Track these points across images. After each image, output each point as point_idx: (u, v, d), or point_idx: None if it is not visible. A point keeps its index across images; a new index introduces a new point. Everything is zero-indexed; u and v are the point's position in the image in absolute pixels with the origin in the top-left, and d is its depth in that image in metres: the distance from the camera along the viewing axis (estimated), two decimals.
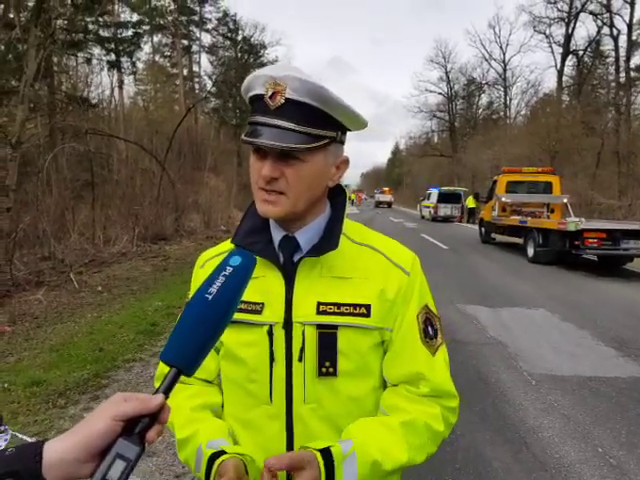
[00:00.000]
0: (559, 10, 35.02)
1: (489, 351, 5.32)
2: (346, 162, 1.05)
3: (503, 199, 14.65)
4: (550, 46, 36.68)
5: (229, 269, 0.76)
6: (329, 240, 1.01)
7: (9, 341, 5.77)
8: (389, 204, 55.36)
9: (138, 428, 0.65)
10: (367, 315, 0.99)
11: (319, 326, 0.99)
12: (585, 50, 34.38)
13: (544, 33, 36.94)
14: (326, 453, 0.88)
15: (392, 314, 1.02)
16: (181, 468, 3.09)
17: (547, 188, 14.85)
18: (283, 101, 0.91)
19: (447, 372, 1.05)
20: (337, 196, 1.11)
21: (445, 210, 28.76)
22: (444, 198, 28.88)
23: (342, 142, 1.03)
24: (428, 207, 30.46)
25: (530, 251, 12.15)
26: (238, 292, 0.75)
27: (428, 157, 51.71)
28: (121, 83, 25.57)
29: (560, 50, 35.80)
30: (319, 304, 0.99)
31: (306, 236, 1.03)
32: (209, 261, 1.13)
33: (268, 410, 1.02)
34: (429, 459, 1.01)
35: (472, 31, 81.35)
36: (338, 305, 0.99)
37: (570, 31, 34.85)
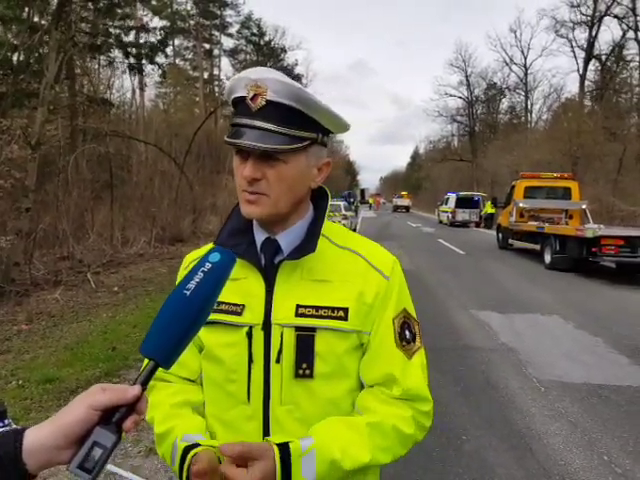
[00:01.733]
0: (582, 14, 34.59)
1: (499, 357, 5.28)
2: (328, 164, 1.07)
3: (521, 204, 14.49)
4: (572, 50, 36.28)
5: (208, 265, 0.77)
6: (308, 243, 1.02)
7: (25, 339, 5.90)
8: (407, 208, 55.12)
9: (115, 417, 0.67)
10: (344, 318, 1.00)
11: (297, 328, 0.99)
12: (609, 54, 33.87)
13: (566, 37, 36.54)
14: (284, 448, 0.89)
15: (370, 318, 1.03)
16: None
17: (566, 194, 14.65)
18: (264, 103, 0.92)
19: (422, 376, 1.05)
20: (320, 199, 1.12)
21: (463, 215, 28.52)
22: (462, 203, 28.65)
23: (324, 144, 1.04)
24: (446, 212, 30.25)
25: (547, 258, 11.99)
26: (216, 288, 0.77)
27: (447, 162, 51.39)
28: (142, 86, 26.00)
29: (583, 54, 35.36)
30: (298, 307, 1.00)
31: (287, 239, 1.04)
32: (193, 262, 1.14)
33: (246, 410, 1.03)
34: (396, 460, 1.02)
35: (493, 35, 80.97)
36: (316, 308, 1.00)
37: (593, 35, 34.40)
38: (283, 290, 1.02)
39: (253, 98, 0.93)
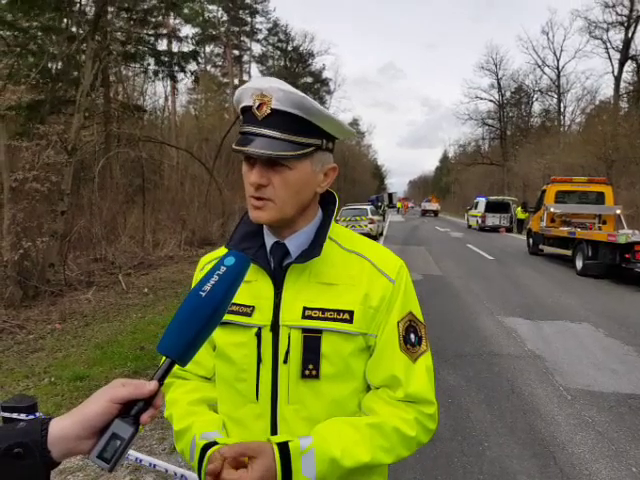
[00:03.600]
0: (618, 14, 33.74)
1: (525, 364, 5.21)
2: (334, 169, 1.09)
3: (552, 209, 14.20)
4: (607, 51, 35.40)
5: (223, 269, 0.82)
6: (315, 247, 1.05)
7: (58, 338, 6.10)
8: (435, 213, 54.56)
9: (134, 411, 0.73)
10: (350, 321, 1.02)
11: (304, 330, 1.02)
12: None
13: (600, 38, 35.69)
14: (284, 446, 0.92)
15: (376, 321, 1.05)
16: None
17: (599, 198, 14.29)
18: (269, 111, 0.96)
19: (426, 379, 1.06)
20: (329, 203, 1.15)
21: (493, 220, 28.05)
22: (492, 207, 28.18)
23: (329, 150, 1.07)
24: (475, 216, 29.82)
25: (579, 264, 11.72)
26: (230, 290, 0.81)
27: (477, 165, 50.73)
28: (174, 92, 26.53)
29: (618, 55, 34.45)
30: (305, 309, 1.03)
31: (295, 242, 1.07)
32: (208, 264, 1.20)
33: (254, 409, 1.06)
34: (399, 461, 1.04)
35: (524, 37, 79.66)
36: (323, 310, 1.03)
37: (630, 36, 33.51)
38: (291, 292, 1.05)
39: (259, 107, 0.97)
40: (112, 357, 5.25)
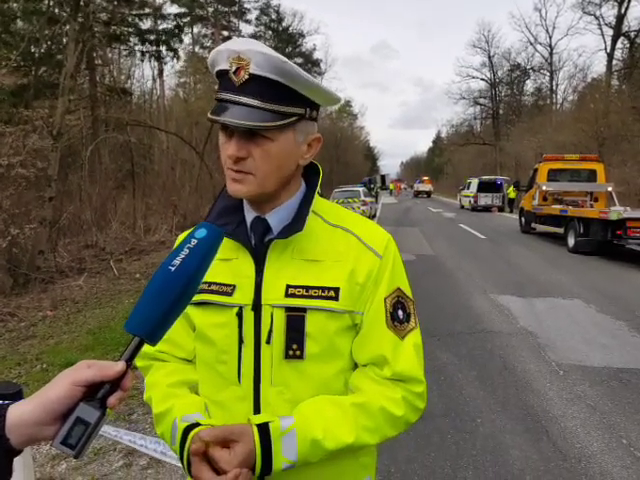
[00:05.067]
0: None
1: (518, 341, 5.23)
2: (318, 140, 1.03)
3: (544, 187, 14.21)
4: (600, 28, 35.09)
5: (194, 241, 0.76)
6: (297, 222, 1.00)
7: (50, 325, 6.06)
8: (428, 194, 54.60)
9: (100, 394, 0.68)
10: (335, 298, 0.98)
11: (287, 309, 0.98)
12: (638, 32, 32.72)
13: (594, 14, 35.38)
14: (264, 428, 0.89)
15: (362, 298, 1.01)
16: None
17: (591, 176, 14.31)
18: (247, 77, 0.89)
19: (415, 357, 1.02)
20: (312, 175, 1.09)
21: (485, 199, 28.10)
22: (484, 187, 28.21)
23: (313, 119, 0.99)
24: (468, 197, 29.85)
25: (571, 241, 11.77)
26: (202, 264, 0.76)
27: (470, 145, 50.60)
28: (161, 72, 26.13)
29: (611, 32, 34.23)
30: (288, 287, 0.98)
31: (277, 217, 1.02)
32: None
33: (237, 391, 1.02)
34: (385, 441, 1.01)
35: (517, 14, 78.97)
36: (307, 288, 0.98)
37: (623, 12, 33.24)
38: (273, 270, 1.00)
39: (236, 72, 0.89)
40: (104, 342, 5.22)
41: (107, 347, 5.09)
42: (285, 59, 0.89)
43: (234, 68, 0.90)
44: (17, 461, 0.69)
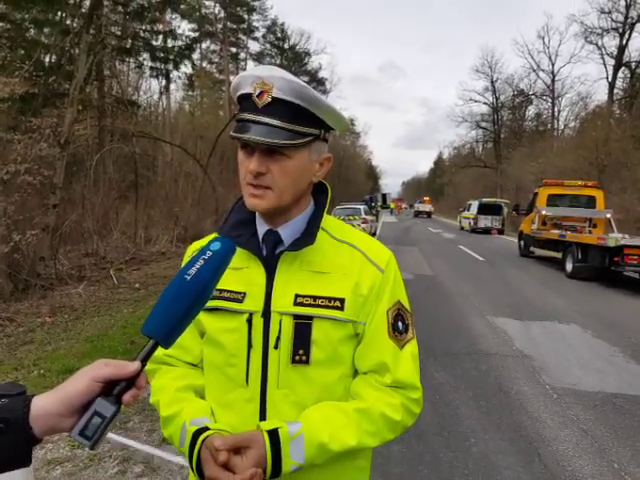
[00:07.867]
0: (613, 20, 33.96)
1: (513, 363, 5.26)
2: (329, 159, 1.11)
3: (543, 212, 14.31)
4: (602, 57, 35.62)
5: (209, 253, 0.84)
6: (308, 236, 1.07)
7: (49, 331, 6.09)
8: (429, 214, 54.74)
9: (116, 390, 0.74)
10: (341, 308, 1.05)
11: (295, 316, 1.04)
12: (639, 63, 33.18)
13: (596, 44, 35.91)
14: (274, 434, 0.95)
15: (365, 309, 1.08)
16: None
17: (590, 202, 14.41)
18: (270, 100, 0.97)
19: (412, 365, 1.10)
20: (321, 193, 1.17)
21: (485, 221, 28.21)
22: (484, 209, 28.35)
23: (325, 140, 1.08)
24: (468, 218, 29.97)
25: (569, 266, 11.83)
26: (215, 274, 0.83)
27: (471, 168, 50.89)
28: (167, 89, 26.44)
29: (612, 62, 34.71)
30: (297, 296, 1.05)
31: (288, 231, 1.09)
32: (196, 251, 1.22)
33: (244, 393, 1.08)
34: (384, 444, 1.08)
35: (520, 41, 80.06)
36: (314, 298, 1.05)
37: (624, 42, 33.76)
38: (283, 279, 1.07)
39: (259, 95, 0.98)
40: (102, 350, 5.25)
41: (105, 355, 5.10)
42: (305, 84, 0.99)
43: (258, 92, 0.98)
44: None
